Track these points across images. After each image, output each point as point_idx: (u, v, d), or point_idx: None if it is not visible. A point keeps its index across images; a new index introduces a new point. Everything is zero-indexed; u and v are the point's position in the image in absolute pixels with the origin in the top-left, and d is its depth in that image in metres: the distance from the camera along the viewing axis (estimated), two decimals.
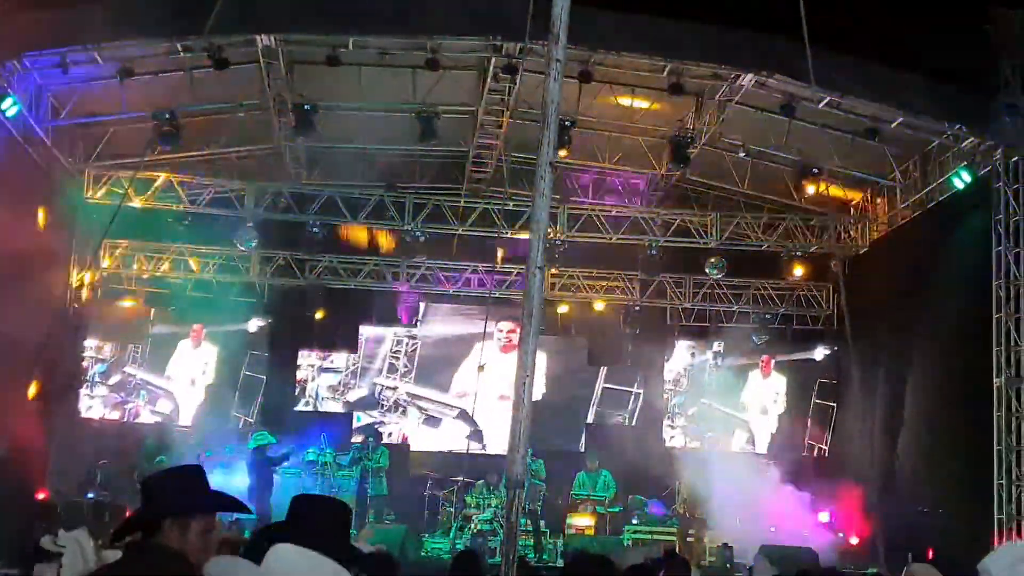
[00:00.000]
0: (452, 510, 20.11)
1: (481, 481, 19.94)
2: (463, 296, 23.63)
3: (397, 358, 23.77)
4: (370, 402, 23.65)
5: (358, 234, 22.32)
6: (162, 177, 20.32)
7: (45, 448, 19.03)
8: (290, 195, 21.26)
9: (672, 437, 23.78)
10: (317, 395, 23.66)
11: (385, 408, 23.66)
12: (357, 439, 22.08)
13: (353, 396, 23.68)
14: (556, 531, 19.72)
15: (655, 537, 19.01)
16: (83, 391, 22.35)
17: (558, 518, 20.04)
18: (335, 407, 23.55)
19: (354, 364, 23.74)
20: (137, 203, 20.13)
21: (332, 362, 23.80)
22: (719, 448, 22.82)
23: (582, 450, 22.88)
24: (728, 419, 23.78)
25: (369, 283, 23.29)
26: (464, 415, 23.30)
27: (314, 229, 21.54)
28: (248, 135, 20.75)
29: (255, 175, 21.34)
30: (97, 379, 22.79)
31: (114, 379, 22.84)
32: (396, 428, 23.56)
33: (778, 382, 24.10)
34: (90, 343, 22.52)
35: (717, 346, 24.12)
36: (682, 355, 24.46)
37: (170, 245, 21.88)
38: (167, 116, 18.36)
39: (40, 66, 17.01)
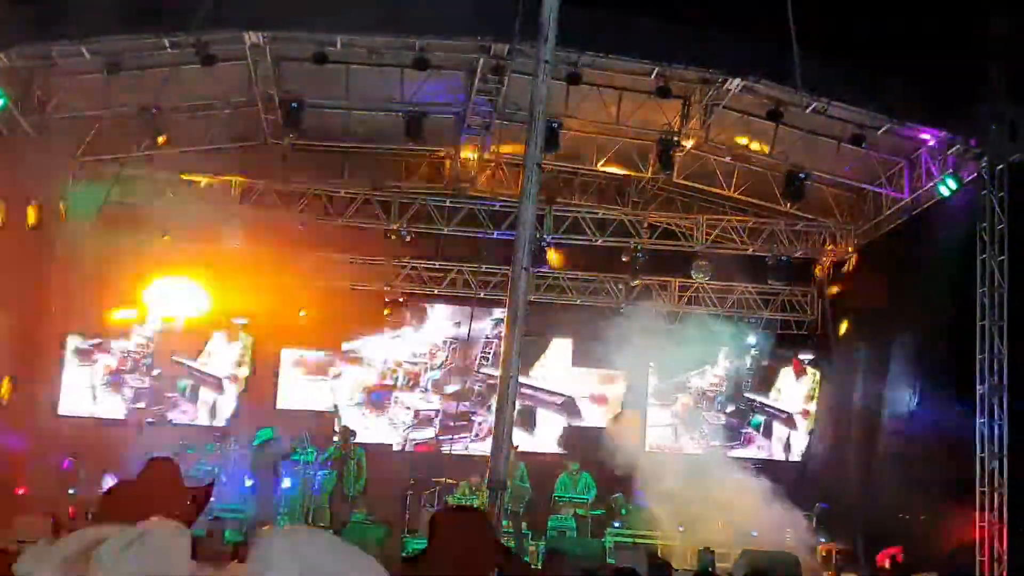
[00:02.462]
0: (433, 511, 20.03)
1: (464, 482, 19.90)
2: (448, 296, 23.60)
3: (487, 356, 23.80)
4: (463, 394, 23.67)
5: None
6: (148, 173, 20.25)
7: (24, 443, 18.94)
8: (276, 193, 21.20)
9: (655, 439, 23.76)
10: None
11: (475, 401, 23.69)
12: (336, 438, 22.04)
13: (450, 389, 23.77)
14: (537, 533, 19.68)
15: (637, 540, 19.00)
16: (133, 378, 22.50)
17: (539, 520, 20.00)
18: (435, 401, 23.60)
19: (451, 361, 23.80)
20: (123, 199, 20.05)
21: (435, 357, 23.86)
22: (708, 450, 22.86)
23: (563, 451, 22.89)
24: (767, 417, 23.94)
25: (354, 283, 23.20)
26: (569, 405, 23.38)
27: (300, 227, 21.50)
28: (235, 132, 20.67)
29: (241, 172, 21.29)
30: (143, 369, 22.85)
31: (156, 371, 22.94)
32: (485, 421, 23.42)
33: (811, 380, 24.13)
34: (74, 340, 22.46)
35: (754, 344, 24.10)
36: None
37: (156, 241, 21.74)
38: (154, 112, 18.30)
39: (27, 59, 16.94)
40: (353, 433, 21.47)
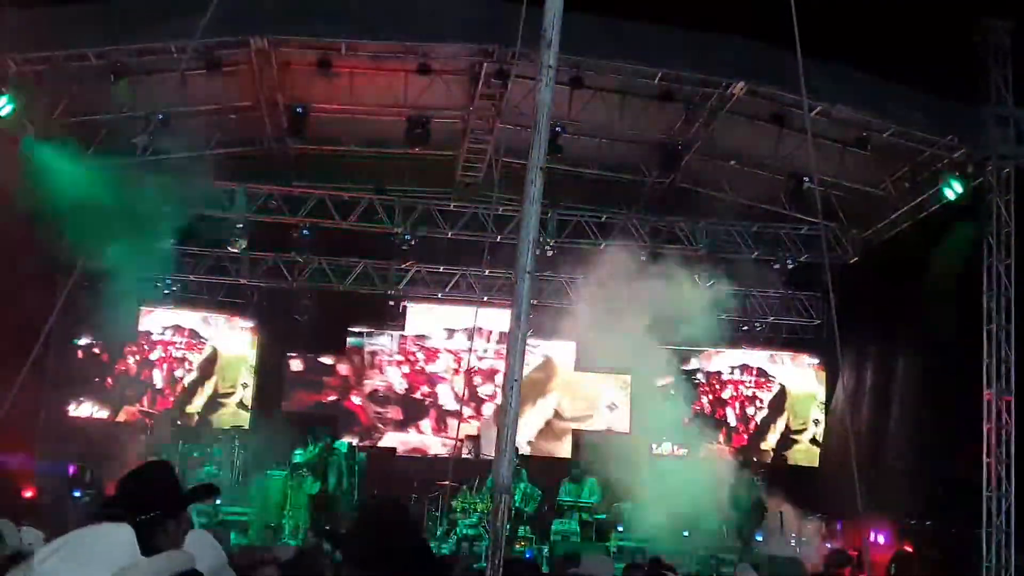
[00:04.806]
0: (437, 515, 20.03)
1: (465, 486, 19.89)
2: (452, 300, 23.63)
3: None
4: None
5: None
6: (153, 177, 20.27)
7: (32, 446, 18.95)
8: (280, 197, 21.23)
9: (660, 443, 23.72)
10: None
11: None
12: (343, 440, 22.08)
13: None
14: (542, 538, 19.64)
15: (641, 545, 18.96)
16: None
17: (544, 524, 19.97)
18: None
19: None
20: (128, 203, 20.07)
21: None
22: (706, 455, 22.83)
23: (568, 456, 22.89)
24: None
25: (358, 286, 23.23)
26: None
27: (304, 231, 21.54)
28: (239, 136, 20.72)
29: (246, 177, 21.32)
30: None
31: None
32: None
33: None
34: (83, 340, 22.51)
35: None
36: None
37: (160, 245, 21.76)
38: (159, 117, 18.34)
39: (35, 65, 16.96)
40: (331, 436, 21.43)
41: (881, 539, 18.39)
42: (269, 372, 23.48)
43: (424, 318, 24.17)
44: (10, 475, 17.60)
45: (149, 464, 4.44)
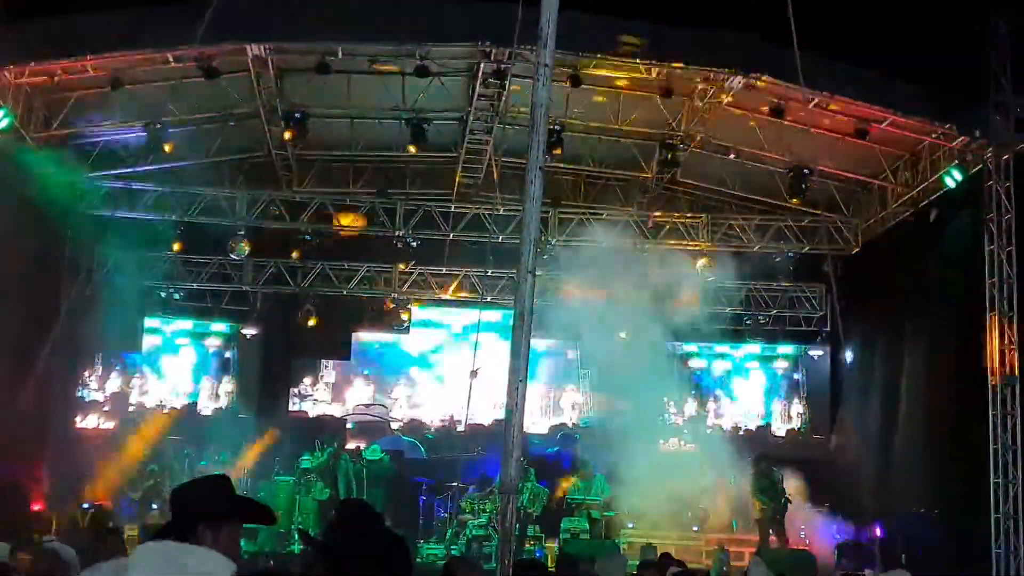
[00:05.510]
0: (447, 516, 20.04)
1: (472, 488, 19.89)
2: (454, 301, 23.62)
3: None
4: None
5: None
6: (154, 186, 20.29)
7: (40, 459, 18.93)
8: (281, 203, 21.23)
9: (668, 440, 23.70)
10: None
11: None
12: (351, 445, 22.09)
13: None
14: (551, 535, 19.64)
15: (650, 541, 18.95)
16: None
17: (553, 522, 19.97)
18: None
19: None
20: (129, 212, 20.12)
21: None
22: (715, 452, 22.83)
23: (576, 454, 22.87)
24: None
25: (361, 290, 23.24)
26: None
27: (306, 236, 21.55)
28: (239, 143, 20.74)
29: (246, 183, 21.33)
30: None
31: None
32: None
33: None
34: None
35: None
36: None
37: (163, 254, 21.78)
38: (158, 126, 18.37)
39: (32, 77, 16.97)
40: (340, 443, 21.42)
41: (890, 529, 18.35)
42: (274, 378, 23.47)
43: (427, 320, 24.18)
44: (19, 487, 17.58)
45: (204, 476, 4.51)
